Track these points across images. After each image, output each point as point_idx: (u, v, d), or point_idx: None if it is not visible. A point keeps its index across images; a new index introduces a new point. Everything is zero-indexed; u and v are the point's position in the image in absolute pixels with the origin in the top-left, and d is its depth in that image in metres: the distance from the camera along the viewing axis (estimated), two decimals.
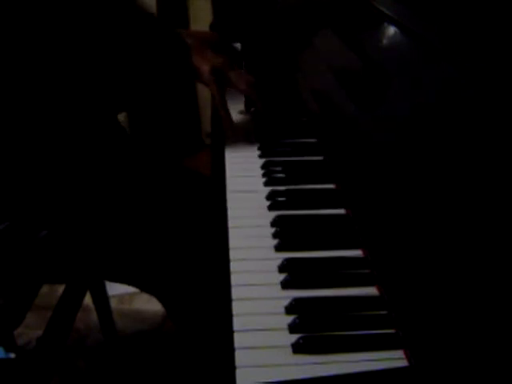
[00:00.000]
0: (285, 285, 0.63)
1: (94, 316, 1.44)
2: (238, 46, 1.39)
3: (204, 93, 2.34)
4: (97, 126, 0.97)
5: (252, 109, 1.06)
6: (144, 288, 1.06)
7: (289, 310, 0.59)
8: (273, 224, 0.74)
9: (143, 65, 0.93)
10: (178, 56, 0.93)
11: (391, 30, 0.79)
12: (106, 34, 0.90)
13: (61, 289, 1.11)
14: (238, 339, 0.56)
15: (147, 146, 1.09)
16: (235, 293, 0.62)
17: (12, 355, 1.00)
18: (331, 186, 0.83)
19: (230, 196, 0.81)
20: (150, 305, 1.57)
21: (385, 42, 0.80)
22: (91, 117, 0.96)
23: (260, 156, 0.92)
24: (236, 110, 1.06)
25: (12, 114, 0.89)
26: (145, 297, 1.58)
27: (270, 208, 0.78)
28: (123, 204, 0.98)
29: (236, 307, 0.60)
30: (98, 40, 0.89)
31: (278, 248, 0.69)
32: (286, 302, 0.60)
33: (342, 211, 0.77)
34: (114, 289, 1.69)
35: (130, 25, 0.93)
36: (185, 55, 0.92)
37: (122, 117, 1.65)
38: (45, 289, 1.11)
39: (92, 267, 1.08)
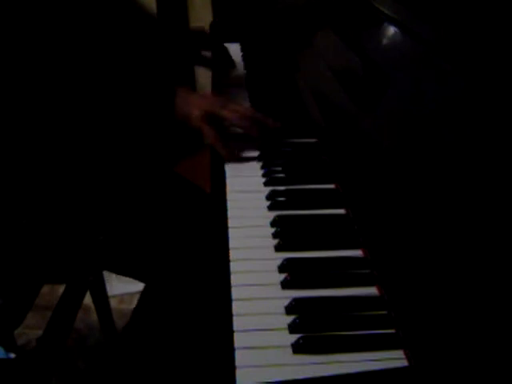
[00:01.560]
0: (285, 285, 0.63)
1: (94, 316, 1.44)
2: (232, 46, 1.38)
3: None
4: (97, 129, 0.97)
5: None
6: (144, 281, 1.06)
7: (289, 310, 0.59)
8: (273, 224, 0.74)
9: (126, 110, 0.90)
10: (159, 106, 0.89)
11: (391, 29, 0.79)
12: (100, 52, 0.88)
13: (61, 289, 1.11)
14: (238, 339, 0.56)
15: (147, 146, 1.09)
16: (235, 293, 0.62)
17: (12, 355, 1.00)
18: (331, 186, 0.83)
19: (230, 196, 0.81)
20: None
21: (385, 41, 0.80)
22: (92, 120, 0.96)
23: (260, 156, 0.92)
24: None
25: (12, 114, 0.89)
26: None
27: (270, 208, 0.78)
28: (125, 204, 0.98)
29: (236, 307, 0.60)
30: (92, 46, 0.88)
31: (278, 248, 0.69)
32: (286, 302, 0.60)
33: (342, 211, 0.77)
34: (114, 289, 1.69)
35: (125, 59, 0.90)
36: (168, 105, 0.88)
37: None
38: (45, 289, 1.11)
39: (92, 266, 1.08)
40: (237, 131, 0.93)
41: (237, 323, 0.58)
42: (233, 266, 0.66)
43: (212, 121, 0.89)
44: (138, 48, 0.94)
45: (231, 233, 0.73)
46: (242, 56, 1.37)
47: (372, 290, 0.63)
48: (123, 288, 1.73)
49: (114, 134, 1.00)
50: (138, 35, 0.95)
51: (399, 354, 0.54)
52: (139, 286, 1.65)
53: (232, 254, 0.68)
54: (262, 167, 0.88)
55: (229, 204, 0.79)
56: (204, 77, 2.27)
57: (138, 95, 0.90)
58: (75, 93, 0.89)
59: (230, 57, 1.26)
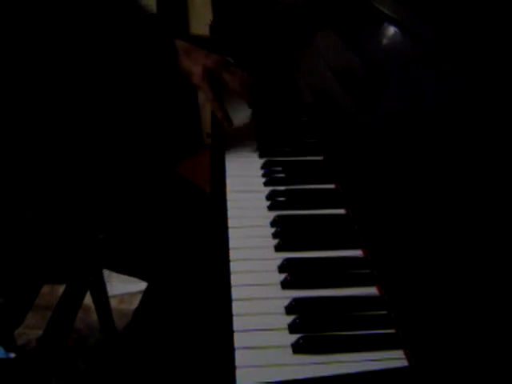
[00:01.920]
0: (285, 285, 0.63)
1: (94, 316, 1.44)
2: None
3: None
4: (98, 126, 0.97)
5: None
6: (144, 279, 1.06)
7: (289, 310, 0.59)
8: (273, 224, 0.74)
9: (130, 65, 0.90)
10: (162, 58, 0.89)
11: (391, 29, 0.79)
12: (101, 34, 0.88)
13: (61, 289, 1.11)
14: (238, 339, 0.56)
15: (148, 146, 1.09)
16: (235, 293, 0.62)
17: (12, 355, 1.00)
18: (331, 186, 0.83)
19: (230, 196, 0.81)
20: None
21: (385, 41, 0.80)
22: (92, 115, 0.96)
23: (260, 156, 0.92)
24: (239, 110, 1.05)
25: (13, 112, 0.89)
26: None
27: (270, 208, 0.78)
28: (126, 203, 0.98)
29: (236, 307, 0.60)
30: (93, 39, 0.88)
31: (278, 248, 0.69)
32: (286, 302, 0.60)
33: (342, 211, 0.77)
34: (114, 289, 1.69)
35: (124, 26, 0.90)
36: (171, 58, 0.88)
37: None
38: (45, 289, 1.11)
39: (92, 265, 1.08)
40: (232, 95, 0.95)
41: (237, 323, 0.58)
42: (233, 266, 0.66)
43: (212, 80, 0.89)
44: (137, 46, 0.94)
45: (231, 233, 0.73)
46: (242, 56, 1.37)
47: (372, 290, 0.63)
48: (123, 288, 1.73)
49: (116, 131, 1.00)
50: (138, 30, 0.94)
51: (399, 354, 0.54)
52: (139, 286, 1.65)
53: (232, 254, 0.68)
54: (262, 167, 0.88)
55: (229, 204, 0.79)
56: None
57: (140, 50, 0.89)
58: (76, 86, 0.89)
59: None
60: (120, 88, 0.93)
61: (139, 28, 0.91)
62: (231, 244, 0.70)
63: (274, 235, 0.72)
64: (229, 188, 0.83)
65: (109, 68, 0.89)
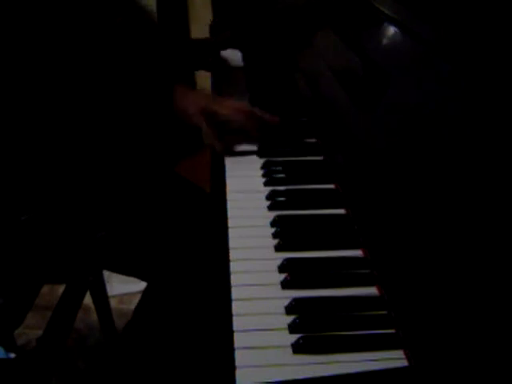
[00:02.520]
0: (285, 285, 0.63)
1: (94, 316, 1.44)
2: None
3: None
4: (98, 127, 0.97)
5: None
6: (144, 279, 1.07)
7: (289, 310, 0.59)
8: (273, 224, 0.74)
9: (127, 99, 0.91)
10: (160, 100, 0.90)
11: (391, 29, 0.79)
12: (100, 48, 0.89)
13: (61, 289, 1.11)
14: (238, 339, 0.56)
15: (148, 146, 1.10)
16: (235, 293, 0.62)
17: (12, 355, 1.00)
18: (331, 186, 0.83)
19: (230, 196, 0.81)
20: None
21: (385, 41, 0.80)
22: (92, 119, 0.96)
23: (260, 156, 0.92)
24: None
25: (13, 111, 0.89)
26: None
27: (270, 208, 0.78)
28: (126, 203, 0.98)
29: (236, 307, 0.60)
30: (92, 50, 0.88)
31: (278, 248, 0.69)
32: (286, 302, 0.60)
33: (341, 211, 0.77)
34: (114, 289, 1.69)
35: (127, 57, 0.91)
36: (168, 99, 0.90)
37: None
38: (45, 289, 1.11)
39: (93, 264, 1.08)
40: (234, 127, 0.93)
41: (237, 323, 0.58)
42: (233, 266, 0.66)
43: (209, 118, 0.90)
44: (138, 48, 0.94)
45: (231, 233, 0.73)
46: (242, 56, 1.37)
47: (372, 290, 0.63)
48: (123, 288, 1.73)
49: (115, 132, 1.00)
50: (139, 36, 0.95)
51: (399, 354, 0.54)
52: (139, 286, 1.65)
53: (232, 254, 0.68)
54: (262, 167, 0.88)
55: (229, 204, 0.79)
56: (203, 78, 2.27)
57: (138, 91, 0.91)
58: (75, 91, 0.89)
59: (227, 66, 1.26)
60: (121, 88, 0.93)
61: (138, 60, 0.92)
62: (231, 244, 0.70)
63: (274, 235, 0.72)
64: (229, 188, 0.83)
65: (108, 77, 0.89)
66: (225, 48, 1.28)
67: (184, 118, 0.91)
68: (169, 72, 0.91)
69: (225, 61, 1.24)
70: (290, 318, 0.58)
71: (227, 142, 0.92)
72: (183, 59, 1.11)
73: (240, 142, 0.94)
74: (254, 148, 0.93)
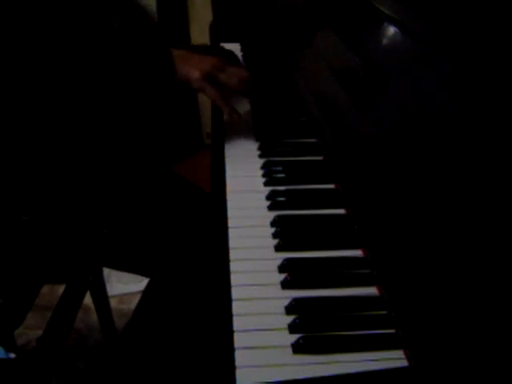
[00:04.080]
0: (285, 285, 0.63)
1: (94, 316, 1.44)
2: (234, 46, 1.39)
3: None
4: (99, 125, 0.97)
5: None
6: (145, 275, 1.07)
7: (289, 310, 0.59)
8: (273, 224, 0.74)
9: (127, 71, 0.91)
10: (159, 68, 0.90)
11: (391, 29, 0.79)
12: (99, 39, 0.89)
13: (61, 289, 1.11)
14: (238, 339, 0.56)
15: (147, 145, 1.10)
16: (235, 293, 0.62)
17: (12, 355, 1.00)
18: (331, 186, 0.83)
19: (230, 196, 0.81)
20: None
21: (385, 41, 0.80)
22: (91, 116, 0.96)
23: (260, 156, 0.92)
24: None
25: (13, 110, 0.89)
26: None
27: (270, 208, 0.78)
28: (126, 203, 0.99)
29: (236, 307, 0.60)
30: (91, 44, 0.89)
31: (278, 248, 0.69)
32: (286, 302, 0.60)
33: (342, 211, 0.77)
34: (114, 289, 1.69)
35: (122, 34, 0.91)
36: (168, 67, 0.90)
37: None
38: (45, 289, 1.11)
39: (94, 261, 1.08)
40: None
41: (237, 323, 0.58)
42: (233, 266, 0.66)
43: (212, 81, 0.91)
44: (138, 48, 0.94)
45: (231, 233, 0.73)
46: (242, 56, 1.38)
47: (372, 290, 0.63)
48: (123, 288, 1.73)
49: (116, 132, 1.00)
50: (139, 36, 0.95)
51: (399, 354, 0.54)
52: (139, 286, 1.66)
53: (232, 254, 0.68)
54: (262, 167, 0.88)
55: (229, 204, 0.79)
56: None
57: (136, 59, 0.90)
58: (75, 91, 0.89)
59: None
60: (120, 88, 0.93)
61: (136, 37, 0.92)
62: (231, 244, 0.70)
63: (274, 235, 0.72)
64: (229, 188, 0.83)
65: (107, 71, 0.90)
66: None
67: (187, 83, 0.91)
68: (168, 72, 0.91)
69: None
70: (290, 318, 0.58)
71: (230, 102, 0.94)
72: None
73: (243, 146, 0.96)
74: (255, 154, 0.93)
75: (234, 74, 0.93)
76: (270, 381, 0.52)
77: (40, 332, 1.04)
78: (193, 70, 0.90)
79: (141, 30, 0.97)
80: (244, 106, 1.00)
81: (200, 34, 2.25)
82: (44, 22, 0.85)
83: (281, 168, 0.87)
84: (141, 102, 0.94)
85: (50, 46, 0.85)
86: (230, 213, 0.77)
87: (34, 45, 0.85)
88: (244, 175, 0.87)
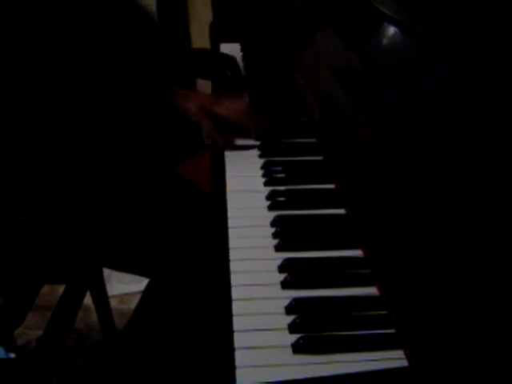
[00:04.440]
0: (285, 285, 0.63)
1: (94, 316, 1.44)
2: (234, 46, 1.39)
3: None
4: (99, 127, 0.98)
5: None
6: (145, 276, 1.07)
7: (289, 310, 0.59)
8: (273, 224, 0.74)
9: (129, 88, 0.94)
10: (160, 102, 0.94)
11: (391, 29, 0.79)
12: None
13: (61, 289, 1.11)
14: (238, 339, 0.56)
15: (147, 146, 1.10)
16: (235, 293, 0.62)
17: (12, 355, 1.00)
18: (331, 186, 0.83)
19: (230, 196, 0.81)
20: None
21: (385, 41, 0.80)
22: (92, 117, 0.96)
23: (260, 156, 0.92)
24: None
25: (14, 111, 0.89)
26: None
27: (270, 208, 0.78)
28: (126, 203, 0.99)
29: (236, 307, 0.60)
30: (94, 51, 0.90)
31: (278, 248, 0.69)
32: (286, 302, 0.60)
33: (341, 211, 0.77)
34: (114, 289, 1.69)
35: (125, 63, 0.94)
36: (168, 101, 0.94)
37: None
38: (45, 289, 1.11)
39: (94, 261, 1.08)
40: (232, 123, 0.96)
41: (237, 323, 0.58)
42: (233, 266, 0.66)
43: (209, 115, 0.94)
44: (138, 48, 0.95)
45: (231, 233, 0.73)
46: (242, 56, 1.37)
47: (372, 290, 0.63)
48: (123, 288, 1.73)
49: (116, 132, 1.00)
50: (139, 36, 0.95)
51: (399, 354, 0.54)
52: (139, 286, 1.65)
53: (232, 254, 0.68)
54: (262, 167, 0.88)
55: (229, 204, 0.79)
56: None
57: (138, 90, 0.94)
58: (75, 91, 0.90)
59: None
60: (121, 86, 0.93)
61: (139, 71, 0.96)
62: (231, 244, 0.70)
63: (274, 235, 0.72)
64: (229, 188, 0.83)
65: (106, 71, 0.90)
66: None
67: (184, 115, 0.94)
68: (168, 73, 0.92)
69: (225, 71, 1.24)
70: (290, 318, 0.58)
71: (228, 135, 0.95)
72: (183, 66, 1.12)
73: (239, 136, 0.96)
74: (254, 142, 0.93)
75: (230, 107, 0.95)
76: (269, 381, 0.52)
77: (40, 332, 1.04)
78: (190, 103, 0.94)
79: (141, 37, 0.98)
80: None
81: (200, 34, 2.25)
82: (44, 23, 0.85)
83: (281, 168, 0.87)
84: (142, 100, 0.95)
85: (49, 45, 0.85)
86: (229, 213, 0.77)
87: (34, 45, 0.85)
88: (244, 175, 0.87)
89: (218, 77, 1.19)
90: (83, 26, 0.90)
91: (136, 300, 1.22)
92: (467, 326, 0.47)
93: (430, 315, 0.52)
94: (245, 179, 0.86)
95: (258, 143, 0.95)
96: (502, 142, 0.50)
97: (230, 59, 1.14)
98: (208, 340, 0.71)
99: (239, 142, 0.96)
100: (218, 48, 1.43)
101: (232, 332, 0.57)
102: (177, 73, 1.11)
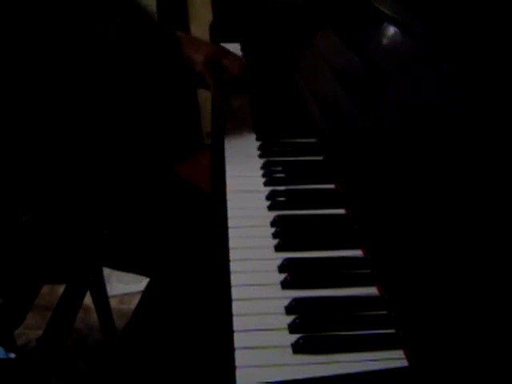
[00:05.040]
0: (285, 285, 0.63)
1: (94, 316, 1.44)
2: (234, 46, 1.39)
3: (204, 93, 2.34)
4: (100, 125, 0.98)
5: None
6: (145, 275, 1.07)
7: (289, 310, 0.59)
8: (273, 224, 0.74)
9: (136, 59, 0.94)
10: (166, 49, 0.94)
11: (391, 29, 0.79)
12: (103, 33, 0.90)
13: (61, 289, 1.11)
14: (238, 339, 0.56)
15: (148, 146, 1.10)
16: (235, 293, 0.62)
17: (12, 355, 1.00)
18: (331, 186, 0.83)
19: (230, 196, 0.81)
20: None
21: (385, 41, 0.80)
22: (92, 115, 0.96)
23: (260, 156, 0.92)
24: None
25: (14, 110, 0.89)
26: None
27: (270, 208, 0.78)
28: (126, 203, 0.99)
29: (236, 307, 0.60)
30: (95, 37, 0.90)
31: (278, 248, 0.69)
32: (286, 302, 0.60)
33: (342, 211, 0.77)
34: (114, 289, 1.69)
35: (127, 24, 0.93)
36: (175, 48, 0.93)
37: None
38: (45, 289, 1.10)
39: (95, 261, 1.08)
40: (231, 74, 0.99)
41: (237, 323, 0.58)
42: (233, 266, 0.66)
43: (214, 67, 0.95)
44: (138, 48, 0.95)
45: (231, 233, 0.73)
46: (242, 56, 1.37)
47: (372, 290, 0.63)
48: (123, 288, 1.73)
49: (116, 132, 1.00)
50: (139, 36, 0.95)
51: (399, 354, 0.54)
52: (139, 286, 1.66)
53: (232, 254, 0.68)
54: (262, 167, 0.88)
55: (229, 204, 0.79)
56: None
57: (145, 46, 0.94)
58: (76, 91, 0.90)
59: None
60: (121, 86, 0.93)
61: (142, 23, 0.95)
62: (231, 244, 0.70)
63: (274, 235, 0.72)
64: (229, 188, 0.83)
65: (106, 70, 0.90)
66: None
67: (191, 65, 0.94)
68: (175, 53, 0.92)
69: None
70: (290, 318, 0.58)
71: (227, 96, 0.98)
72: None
73: (236, 93, 1.01)
74: (255, 153, 0.94)
75: (236, 60, 0.98)
76: (270, 381, 0.52)
77: (40, 332, 1.04)
78: (197, 53, 0.93)
79: (142, 26, 0.98)
80: (241, 98, 1.04)
81: (200, 34, 2.24)
82: (44, 22, 0.85)
83: (281, 168, 0.87)
84: (142, 101, 0.95)
85: (49, 45, 0.85)
86: (230, 213, 0.77)
87: (34, 45, 0.85)
88: (244, 175, 0.87)
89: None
90: (83, 25, 0.90)
91: (136, 300, 1.22)
92: (467, 325, 0.47)
93: (429, 315, 0.52)
94: (245, 179, 0.86)
95: (257, 153, 0.95)
96: (502, 142, 0.50)
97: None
98: (208, 340, 0.71)
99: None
100: None
101: (232, 332, 0.57)
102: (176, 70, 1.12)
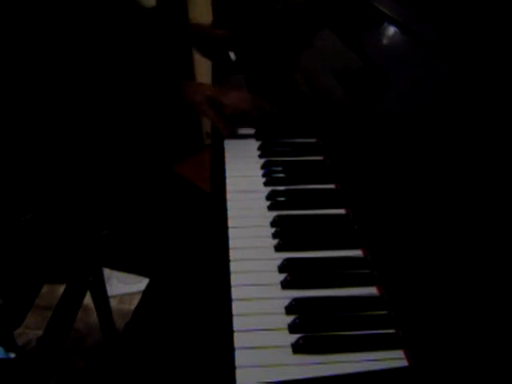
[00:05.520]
0: (285, 285, 0.63)
1: (94, 316, 1.44)
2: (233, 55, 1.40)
3: None
4: (100, 127, 0.98)
5: None
6: (145, 276, 1.08)
7: (289, 310, 0.59)
8: (273, 224, 0.74)
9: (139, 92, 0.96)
10: (169, 94, 0.97)
11: (391, 29, 0.79)
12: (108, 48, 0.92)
13: (61, 289, 1.11)
14: (238, 339, 0.56)
15: (148, 146, 1.11)
16: (235, 293, 0.62)
17: (12, 355, 1.00)
18: (331, 186, 0.83)
19: (230, 196, 0.81)
20: None
21: (385, 41, 0.80)
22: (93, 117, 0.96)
23: (260, 156, 0.92)
24: None
25: (15, 110, 0.89)
26: None
27: (270, 208, 0.78)
28: (126, 203, 0.99)
29: (236, 307, 0.60)
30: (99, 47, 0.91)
31: (278, 248, 0.69)
32: (286, 302, 0.60)
33: (342, 211, 0.77)
34: (114, 289, 1.69)
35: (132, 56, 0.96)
36: (177, 93, 0.96)
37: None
38: (45, 289, 1.10)
39: (94, 262, 1.08)
40: (237, 113, 0.99)
41: (237, 323, 0.58)
42: (233, 266, 0.66)
43: (214, 106, 0.97)
44: (138, 47, 0.95)
45: (231, 233, 0.73)
46: (242, 56, 1.37)
47: (372, 290, 0.63)
48: (123, 288, 1.73)
49: (116, 132, 1.01)
50: (140, 36, 0.96)
51: (399, 353, 0.54)
52: (139, 286, 1.66)
53: (232, 254, 0.68)
54: (262, 167, 0.88)
55: (229, 204, 0.79)
56: (202, 67, 2.30)
57: (149, 86, 0.97)
58: (77, 91, 0.90)
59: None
60: (121, 89, 0.93)
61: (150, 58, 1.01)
62: (231, 244, 0.70)
63: (274, 235, 0.72)
64: (229, 188, 0.83)
65: (107, 73, 0.91)
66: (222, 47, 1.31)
67: (192, 106, 0.98)
68: (171, 61, 0.93)
69: (227, 52, 1.28)
70: (289, 318, 0.58)
71: (232, 125, 0.99)
72: (183, 43, 1.16)
73: (242, 125, 1.01)
74: (255, 153, 0.94)
75: (239, 97, 0.99)
76: (270, 381, 0.52)
77: (40, 332, 1.04)
78: (197, 94, 0.97)
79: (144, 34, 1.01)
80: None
81: None
82: (44, 22, 0.85)
83: (281, 168, 0.87)
84: (142, 101, 0.96)
85: (50, 45, 0.85)
86: (230, 213, 0.77)
87: (34, 45, 0.85)
88: (244, 175, 0.87)
89: (219, 57, 1.23)
90: (83, 25, 0.90)
91: (136, 300, 1.22)
92: (467, 325, 0.47)
93: (429, 315, 0.52)
94: (245, 179, 0.86)
95: (253, 131, 0.98)
96: (502, 142, 0.50)
97: (233, 41, 1.18)
98: (208, 340, 0.71)
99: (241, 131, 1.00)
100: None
101: (232, 332, 0.57)
102: (176, 44, 1.14)
